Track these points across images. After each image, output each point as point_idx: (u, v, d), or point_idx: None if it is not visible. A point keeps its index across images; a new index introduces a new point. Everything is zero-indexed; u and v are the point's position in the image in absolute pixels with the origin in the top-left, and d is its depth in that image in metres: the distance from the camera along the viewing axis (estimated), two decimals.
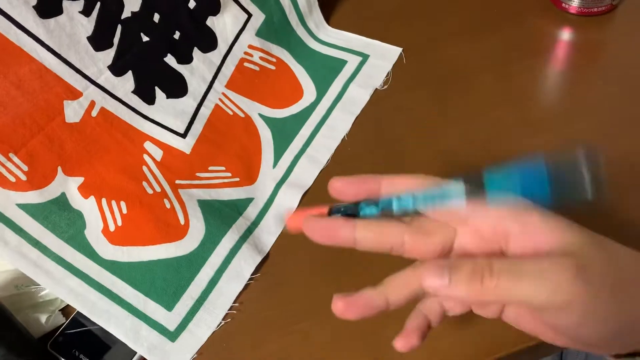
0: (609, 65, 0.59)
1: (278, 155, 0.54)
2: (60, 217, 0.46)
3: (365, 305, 0.31)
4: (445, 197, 0.30)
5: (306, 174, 0.53)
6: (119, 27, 0.50)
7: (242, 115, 0.56)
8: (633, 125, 0.53)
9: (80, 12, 0.48)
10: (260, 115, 0.57)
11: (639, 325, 0.28)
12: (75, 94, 0.48)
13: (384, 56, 0.61)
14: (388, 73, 0.59)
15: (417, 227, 0.31)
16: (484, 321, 0.41)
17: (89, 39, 0.49)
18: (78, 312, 0.46)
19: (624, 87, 0.56)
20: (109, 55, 0.50)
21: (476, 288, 0.26)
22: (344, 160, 0.54)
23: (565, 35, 0.62)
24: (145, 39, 0.52)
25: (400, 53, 0.61)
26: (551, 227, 0.28)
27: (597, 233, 0.29)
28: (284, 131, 0.56)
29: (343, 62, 0.61)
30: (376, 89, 0.58)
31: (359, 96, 0.58)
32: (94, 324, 0.45)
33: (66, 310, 0.48)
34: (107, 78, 0.50)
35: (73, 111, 0.48)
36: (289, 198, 0.51)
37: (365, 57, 0.61)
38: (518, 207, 0.29)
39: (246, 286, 0.47)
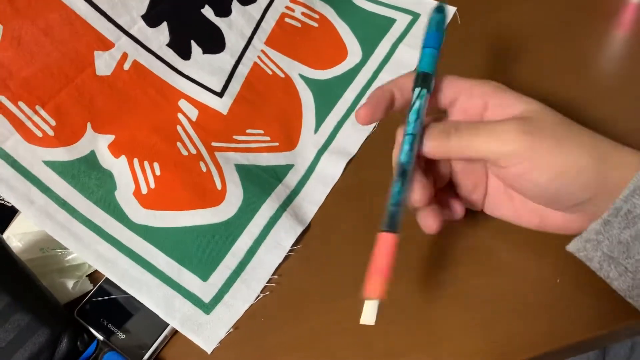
0: None
1: (320, 120, 0.50)
2: (89, 176, 0.43)
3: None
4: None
5: (350, 140, 0.49)
6: None
7: (282, 75, 0.52)
8: None
9: None
10: (301, 76, 0.53)
11: (584, 175, 0.31)
12: (106, 45, 0.45)
13: None
14: None
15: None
16: (526, 318, 0.39)
17: None
18: (107, 278, 0.43)
19: None
20: (142, 3, 0.46)
21: (443, 143, 0.33)
22: (393, 127, 0.50)
23: None
24: None
25: (455, 13, 0.56)
26: (520, 101, 0.34)
27: None
28: (326, 94, 0.52)
29: (391, 21, 0.56)
30: None
31: (409, 58, 0.53)
32: (123, 291, 0.42)
33: (94, 275, 0.45)
34: (140, 28, 0.46)
35: (104, 63, 0.44)
36: (332, 165, 0.47)
37: (415, 16, 0.56)
38: (498, 87, 0.35)
39: (286, 258, 0.44)
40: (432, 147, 0.34)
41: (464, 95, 0.36)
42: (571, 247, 0.36)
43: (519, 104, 0.34)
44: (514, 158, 0.32)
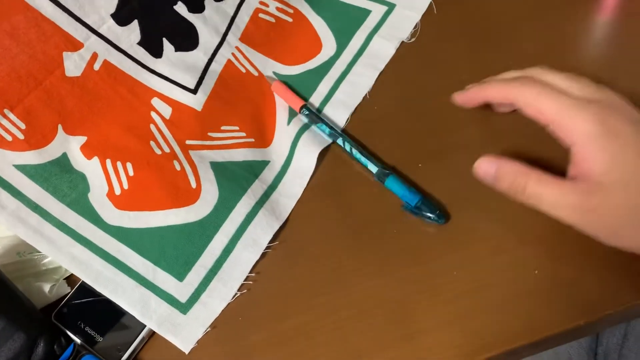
0: None
1: (293, 114, 0.50)
2: (61, 179, 0.43)
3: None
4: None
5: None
6: None
7: (255, 73, 0.51)
8: None
9: None
10: (275, 74, 0.52)
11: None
12: (75, 45, 0.44)
13: (412, 5, 0.55)
14: (416, 24, 0.54)
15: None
16: (504, 310, 0.39)
17: None
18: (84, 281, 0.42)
19: None
20: (111, 2, 0.46)
21: (510, 195, 0.37)
22: (369, 119, 0.50)
23: None
24: None
25: (430, 2, 0.55)
26: (599, 166, 0.33)
27: None
28: (299, 88, 0.51)
29: (367, 12, 0.56)
30: (403, 41, 0.53)
31: (383, 49, 0.53)
32: (100, 294, 0.42)
33: (71, 279, 0.45)
34: (110, 27, 0.46)
35: (73, 64, 0.44)
36: (306, 157, 0.47)
37: (391, 7, 0.56)
38: (586, 136, 0.34)
39: (263, 255, 0.43)
40: (503, 191, 0.38)
41: (554, 126, 0.36)
42: None
43: (596, 167, 0.33)
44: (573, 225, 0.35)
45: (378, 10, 0.56)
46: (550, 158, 0.42)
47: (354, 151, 0.46)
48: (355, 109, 0.50)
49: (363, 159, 0.45)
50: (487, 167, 0.38)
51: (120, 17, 0.46)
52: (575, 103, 0.35)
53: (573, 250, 0.40)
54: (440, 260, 0.42)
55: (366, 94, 0.51)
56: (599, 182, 0.33)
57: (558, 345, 0.43)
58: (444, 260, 0.42)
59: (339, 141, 0.47)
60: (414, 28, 0.54)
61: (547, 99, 0.36)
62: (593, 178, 0.33)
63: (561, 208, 0.35)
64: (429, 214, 0.42)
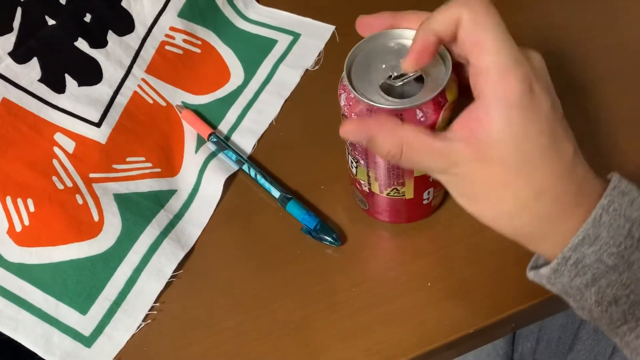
0: None
1: (201, 142, 0.51)
2: None
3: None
4: None
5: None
6: (19, 10, 0.46)
7: (163, 103, 0.52)
8: None
9: None
10: (184, 104, 0.53)
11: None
12: None
13: (316, 34, 0.57)
14: (320, 53, 0.56)
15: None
16: (399, 322, 0.41)
17: None
18: None
19: None
20: (8, 40, 0.46)
21: (394, 161, 0.33)
22: (275, 145, 0.51)
23: None
24: (51, 22, 0.48)
25: (333, 31, 0.58)
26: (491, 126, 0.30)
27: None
28: (209, 117, 0.53)
29: (273, 42, 0.58)
30: (307, 69, 0.55)
31: (288, 78, 0.55)
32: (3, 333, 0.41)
33: None
34: (8, 66, 0.46)
35: None
36: (213, 185, 0.48)
37: (296, 36, 0.58)
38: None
39: (168, 284, 0.44)
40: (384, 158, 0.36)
41: (477, 70, 0.30)
42: (529, 275, 0.34)
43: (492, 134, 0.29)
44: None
45: (284, 40, 0.58)
46: None
47: (259, 177, 0.47)
48: (262, 135, 0.52)
49: (267, 185, 0.47)
50: (359, 136, 0.35)
51: (18, 55, 0.46)
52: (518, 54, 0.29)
53: (462, 263, 0.43)
54: (340, 278, 0.43)
55: (272, 121, 0.52)
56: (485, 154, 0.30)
57: (461, 354, 0.45)
58: (343, 278, 0.43)
59: (245, 167, 0.48)
60: (317, 56, 0.56)
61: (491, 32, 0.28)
62: (482, 145, 0.29)
63: (434, 173, 0.33)
64: (326, 237, 0.43)
